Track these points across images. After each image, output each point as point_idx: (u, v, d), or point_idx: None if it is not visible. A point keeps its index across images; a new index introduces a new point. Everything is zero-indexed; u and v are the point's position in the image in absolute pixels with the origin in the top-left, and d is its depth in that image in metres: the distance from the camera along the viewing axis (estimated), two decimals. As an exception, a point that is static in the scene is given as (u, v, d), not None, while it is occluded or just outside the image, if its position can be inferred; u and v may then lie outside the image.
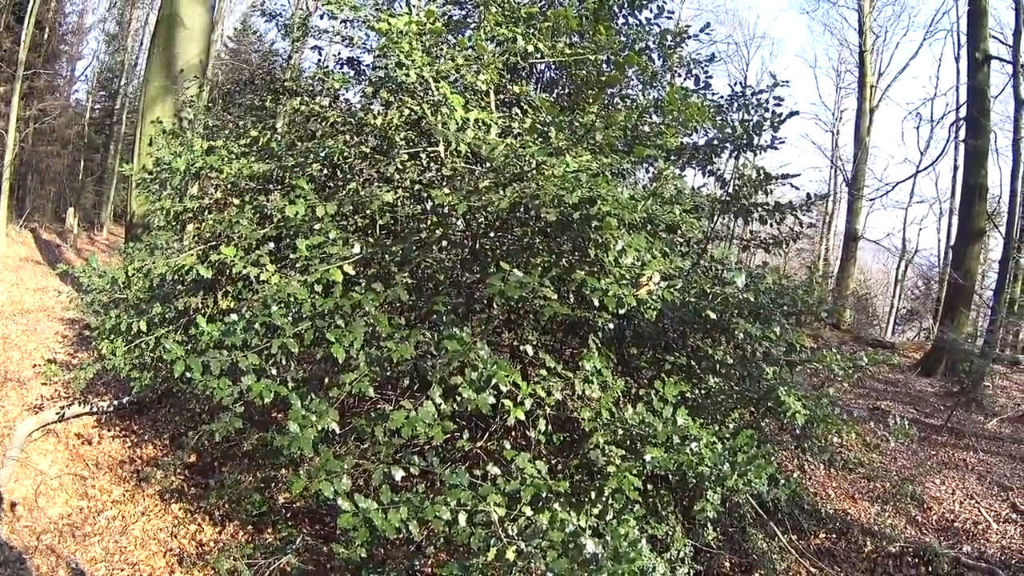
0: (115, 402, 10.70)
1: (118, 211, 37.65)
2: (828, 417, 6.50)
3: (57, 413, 9.98)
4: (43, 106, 28.27)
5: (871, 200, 31.01)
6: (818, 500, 9.76)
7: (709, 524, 6.89)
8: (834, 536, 9.04)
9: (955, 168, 28.03)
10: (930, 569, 8.36)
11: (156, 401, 10.76)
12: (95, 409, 10.45)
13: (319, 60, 9.80)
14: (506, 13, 7.15)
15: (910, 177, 31.73)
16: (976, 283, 20.97)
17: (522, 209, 6.07)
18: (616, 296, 5.33)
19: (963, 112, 21.56)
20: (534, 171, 5.73)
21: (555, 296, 5.30)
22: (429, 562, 6.99)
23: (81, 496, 8.77)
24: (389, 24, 5.99)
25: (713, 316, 6.00)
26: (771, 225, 8.22)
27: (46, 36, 30.30)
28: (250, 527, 8.38)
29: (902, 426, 7.11)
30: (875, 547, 8.77)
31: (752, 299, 6.23)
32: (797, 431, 7.04)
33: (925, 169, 29.77)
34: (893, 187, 29.96)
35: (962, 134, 22.15)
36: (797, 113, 7.74)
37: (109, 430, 10.33)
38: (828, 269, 35.98)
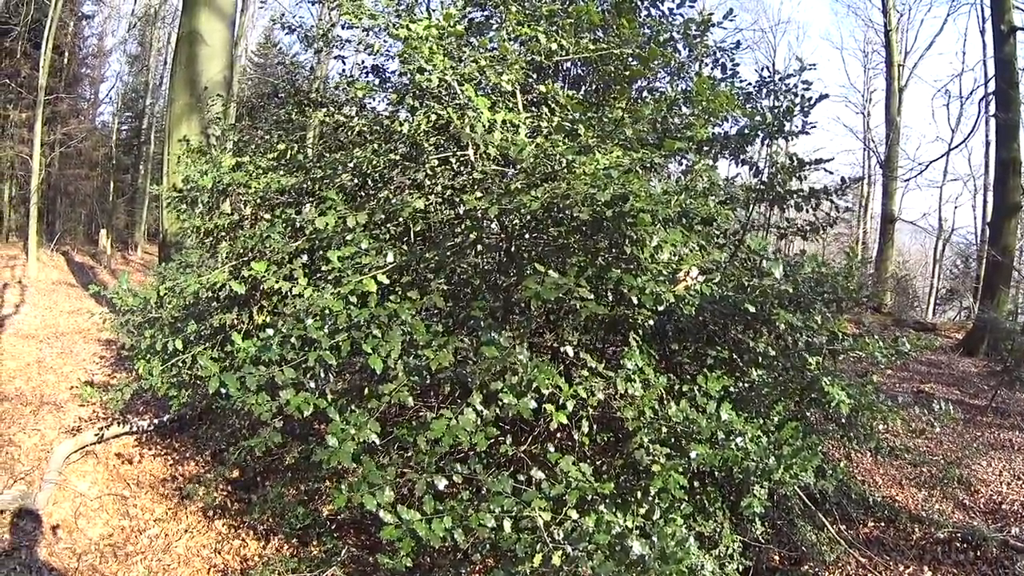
0: (155, 421, 10.74)
1: (151, 230, 38.05)
2: (873, 404, 6.39)
3: (96, 434, 10.01)
4: (67, 130, 28.61)
5: (906, 181, 30.69)
6: (866, 488, 9.64)
7: (757, 519, 6.79)
8: (883, 524, 8.95)
9: (987, 144, 27.78)
10: (979, 554, 8.27)
11: (197, 418, 10.81)
12: (135, 428, 10.49)
13: (343, 70, 9.80)
14: (527, 12, 7.09)
15: (943, 155, 31.37)
16: (1015, 259, 20.69)
17: (555, 209, 6.00)
18: (653, 293, 5.27)
19: (991, 86, 21.34)
20: (564, 170, 5.67)
21: (592, 296, 5.22)
22: (476, 568, 6.96)
23: (122, 516, 8.80)
24: (409, 30, 5.95)
25: (752, 309, 5.91)
26: (807, 211, 8.12)
27: (66, 60, 30.53)
28: (295, 540, 8.38)
29: (947, 410, 7.01)
30: (923, 533, 8.69)
31: (791, 290, 6.15)
32: (843, 420, 6.94)
33: (957, 147, 29.42)
34: (927, 166, 29.83)
35: (992, 108, 21.91)
36: (827, 96, 7.62)
37: (150, 449, 10.38)
38: (866, 253, 35.66)
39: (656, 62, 7.77)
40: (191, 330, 7.42)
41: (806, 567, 8.00)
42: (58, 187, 32.36)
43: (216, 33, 14.53)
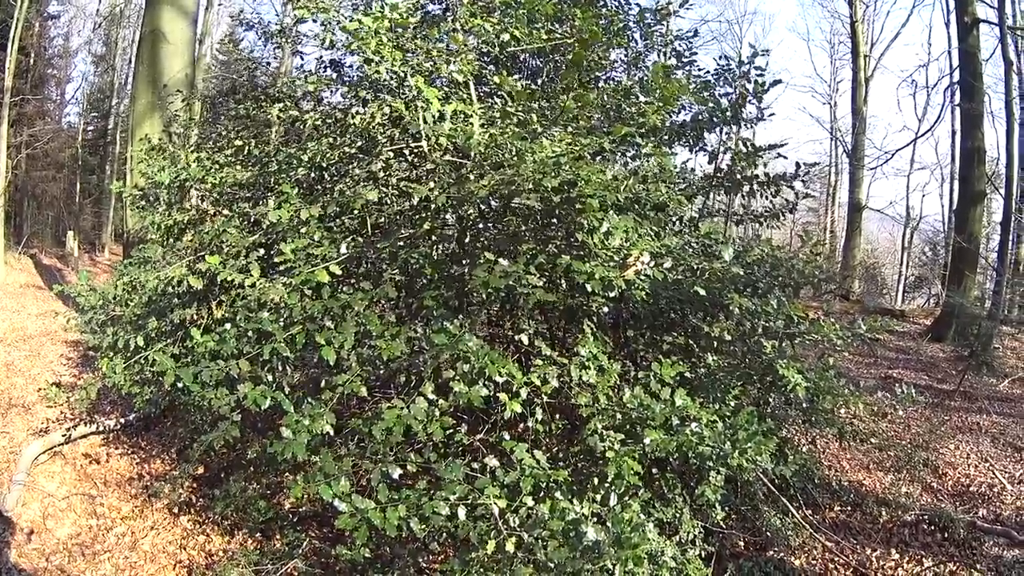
0: (122, 420, 10.71)
1: (119, 231, 37.65)
2: (833, 389, 6.47)
3: (63, 435, 9.99)
4: (34, 131, 28.28)
5: (872, 169, 30.93)
6: (832, 473, 9.76)
7: (717, 504, 6.82)
8: (849, 508, 9.00)
9: (953, 133, 27.94)
10: (946, 535, 8.34)
11: (162, 416, 10.78)
12: (102, 428, 10.46)
13: (301, 65, 9.78)
14: (483, 4, 7.10)
15: (908, 144, 31.50)
16: (981, 246, 20.96)
17: (505, 198, 6.02)
18: (603, 278, 5.28)
19: (956, 76, 21.51)
20: (515, 158, 5.67)
21: (540, 283, 5.24)
22: (435, 558, 6.97)
23: (90, 515, 8.78)
24: (360, 23, 5.94)
25: (702, 292, 5.93)
26: (767, 199, 8.16)
27: (32, 61, 30.21)
28: (258, 534, 8.37)
29: (908, 394, 7.08)
30: (890, 517, 8.75)
31: (741, 272, 6.18)
32: (804, 405, 6.94)
33: (923, 135, 29.53)
34: (892, 155, 29.70)
35: (956, 98, 22.11)
36: (780, 82, 7.65)
37: (117, 448, 10.35)
38: (834, 241, 35.93)
39: (616, 51, 7.80)
40: (152, 327, 7.40)
41: (771, 552, 8.01)
42: (25, 189, 31.98)
43: (178, 31, 14.49)
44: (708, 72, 8.38)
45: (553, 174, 5.34)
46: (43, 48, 33.46)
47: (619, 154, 7.40)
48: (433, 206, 6.35)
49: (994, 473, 9.89)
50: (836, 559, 7.94)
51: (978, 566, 7.76)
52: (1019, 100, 19.30)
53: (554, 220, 6.08)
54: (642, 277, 5.78)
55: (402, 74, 6.24)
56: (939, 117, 27.13)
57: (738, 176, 7.95)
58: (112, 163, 37.68)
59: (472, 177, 5.90)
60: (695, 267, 6.39)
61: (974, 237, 19.18)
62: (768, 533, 8.10)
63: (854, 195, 30.58)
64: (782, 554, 7.99)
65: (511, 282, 5.11)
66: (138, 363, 7.37)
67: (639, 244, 5.56)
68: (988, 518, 8.68)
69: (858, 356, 16.46)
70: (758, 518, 8.16)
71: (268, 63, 11.85)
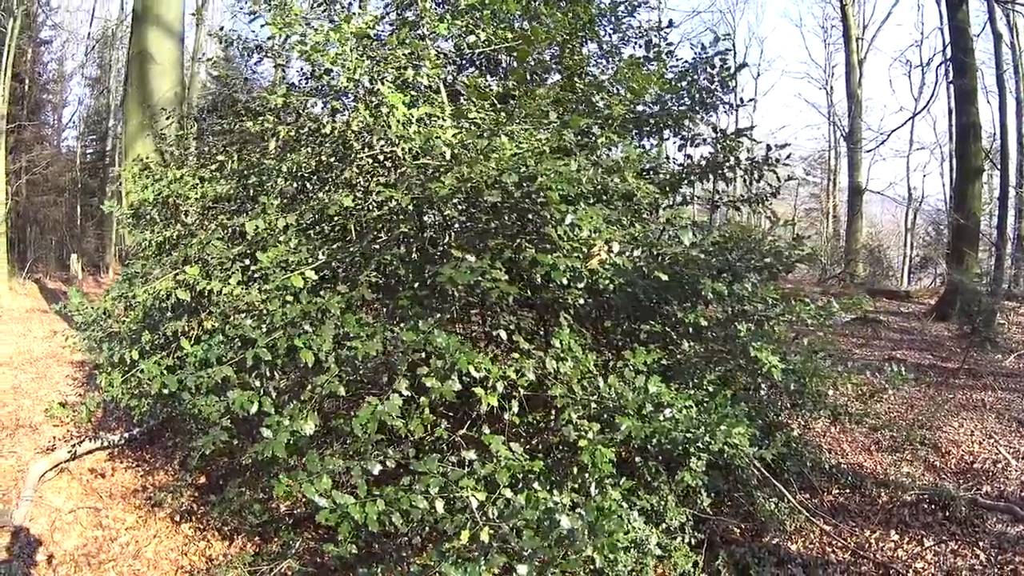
0: (126, 435, 10.87)
1: (123, 252, 37.82)
2: (819, 370, 6.46)
3: (69, 451, 10.13)
4: (32, 157, 28.43)
5: (869, 152, 30.88)
6: (830, 456, 9.73)
7: (702, 491, 6.87)
8: (847, 491, 8.97)
9: (949, 111, 27.96)
10: (947, 514, 8.26)
11: (164, 429, 10.95)
12: (106, 444, 10.62)
13: (283, 78, 9.87)
14: (449, 6, 7.20)
15: (904, 124, 31.73)
16: (982, 223, 20.91)
17: (467, 195, 6.11)
18: (567, 269, 5.38)
19: (949, 53, 21.51)
20: (480, 157, 5.78)
21: (506, 277, 5.33)
22: (418, 552, 7.04)
23: (95, 527, 8.95)
24: (326, 37, 6.07)
25: (664, 277, 5.98)
26: (749, 184, 8.22)
27: (27, 88, 30.40)
28: (256, 538, 8.57)
29: (898, 372, 7.02)
30: (890, 497, 8.68)
31: (701, 256, 6.23)
32: (791, 388, 6.99)
33: (918, 114, 29.49)
34: (888, 136, 30.06)
35: (950, 75, 22.12)
36: (746, 65, 7.85)
37: (122, 462, 10.51)
38: (837, 225, 35.90)
39: (589, 45, 7.87)
40: (146, 340, 7.52)
41: (767, 538, 7.99)
42: (27, 215, 32.12)
43: (165, 51, 14.58)
44: (686, 62, 8.41)
45: (512, 170, 5.45)
46: (37, 74, 33.66)
47: (586, 147, 7.45)
48: (408, 208, 6.47)
49: (999, 449, 9.79)
50: (834, 542, 7.89)
51: (980, 543, 7.68)
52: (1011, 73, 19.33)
53: (517, 215, 6.16)
54: (606, 266, 5.86)
55: (361, 80, 6.34)
56: (933, 95, 27.14)
57: (721, 163, 8.00)
58: (112, 184, 37.84)
59: (431, 176, 6.01)
60: (655, 253, 6.45)
61: (973, 214, 19.09)
62: (763, 519, 8.03)
63: (853, 178, 30.67)
64: (777, 539, 7.96)
65: (478, 277, 5.20)
66: (134, 376, 7.50)
67: (602, 234, 5.65)
68: (992, 495, 8.59)
69: (861, 338, 16.49)
70: (751, 504, 8.09)
71: (246, 79, 11.89)
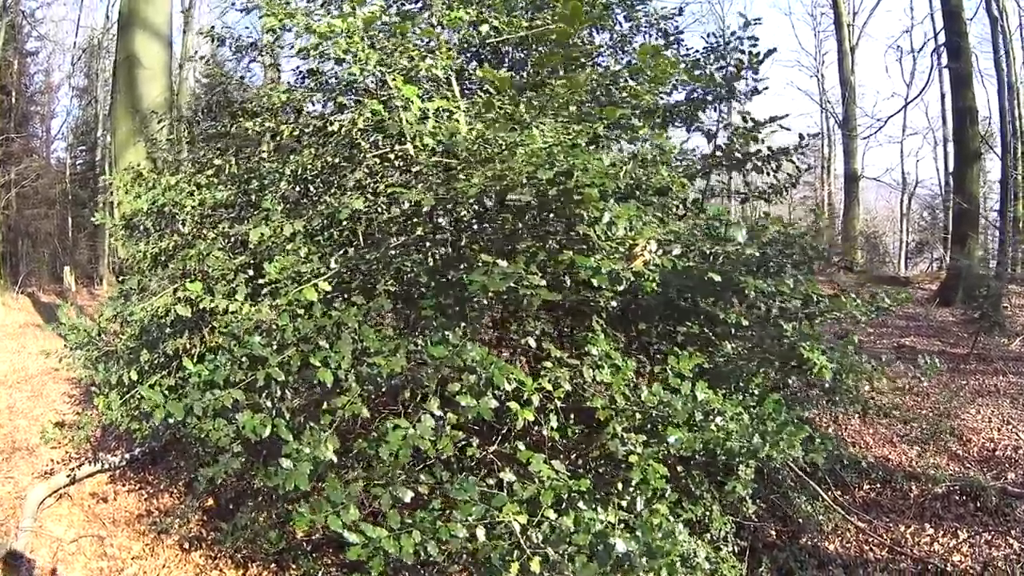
0: (126, 456, 10.50)
1: (115, 263, 37.63)
2: (855, 365, 6.22)
3: (68, 476, 9.80)
4: (21, 169, 28.18)
5: (865, 139, 30.84)
6: (857, 450, 9.58)
7: (748, 498, 6.58)
8: (878, 486, 8.85)
9: (942, 95, 28.08)
10: (979, 504, 8.22)
11: (167, 449, 10.55)
12: (107, 466, 10.27)
13: (278, 77, 9.50)
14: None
15: (900, 110, 31.62)
16: (980, 205, 20.96)
17: (497, 195, 5.72)
18: (610, 272, 4.98)
19: (942, 38, 21.49)
20: (505, 152, 5.39)
21: (543, 282, 4.94)
22: (457, 580, 6.72)
23: (100, 557, 8.56)
24: (330, 25, 5.66)
25: (718, 278, 5.64)
26: (768, 174, 7.96)
27: (14, 100, 30.17)
28: (273, 565, 8.15)
29: (932, 364, 6.84)
30: (921, 491, 8.61)
31: (757, 254, 5.93)
32: (826, 385, 6.73)
33: (913, 100, 29.68)
34: (885, 122, 29.98)
35: (944, 60, 22.14)
36: (775, 51, 7.52)
37: (124, 485, 10.15)
38: (833, 213, 35.83)
39: (595, 34, 7.58)
40: (145, 359, 7.17)
41: (804, 539, 7.86)
42: (19, 229, 31.90)
43: (153, 55, 14.21)
44: (696, 51, 8.30)
45: (547, 165, 5.05)
46: (24, 86, 33.55)
47: (613, 140, 7.12)
48: (424, 210, 6.10)
49: (1018, 435, 9.77)
50: (870, 539, 7.79)
51: (1013, 532, 7.66)
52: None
53: (551, 214, 5.78)
54: (651, 267, 5.50)
55: (379, 74, 5.96)
56: (928, 81, 27.25)
57: (738, 153, 7.74)
58: (102, 195, 37.60)
59: (462, 176, 5.61)
60: (707, 252, 6.11)
61: (973, 197, 19.19)
62: (800, 520, 7.93)
63: (849, 165, 30.54)
64: (815, 540, 7.84)
65: (512, 283, 4.80)
66: (134, 398, 7.14)
67: (645, 232, 5.28)
68: (1017, 482, 8.56)
69: (868, 327, 16.31)
70: (788, 505, 7.97)
71: (243, 77, 11.53)
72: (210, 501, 9.36)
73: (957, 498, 8.39)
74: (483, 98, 6.32)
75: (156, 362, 7.35)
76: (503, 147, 5.43)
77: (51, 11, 39.66)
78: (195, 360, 6.02)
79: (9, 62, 28.44)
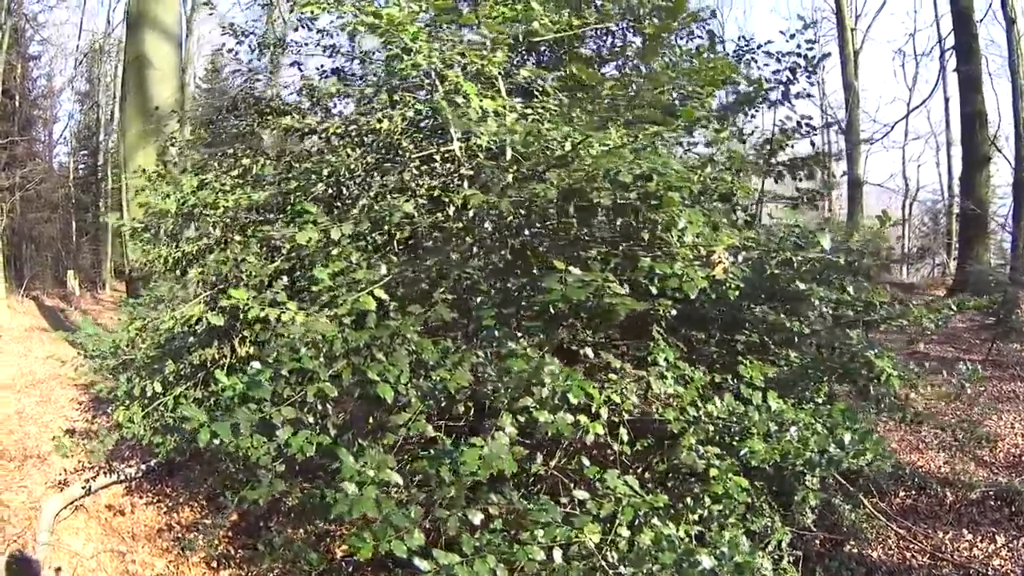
0: (143, 466, 10.30)
1: (119, 267, 37.43)
2: (903, 374, 6.09)
3: (83, 487, 9.55)
4: (25, 173, 28.01)
5: (870, 144, 30.73)
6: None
7: (809, 509, 6.43)
8: (914, 492, 8.83)
9: (946, 99, 28.07)
10: (1014, 508, 8.19)
11: (186, 460, 10.25)
12: (122, 477, 10.05)
13: (302, 75, 9.26)
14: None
15: (907, 115, 31.53)
16: (988, 210, 20.95)
17: (571, 198, 5.48)
18: (691, 279, 4.74)
19: (950, 42, 21.55)
20: (572, 153, 5.17)
21: (624, 291, 4.71)
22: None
23: (122, 574, 8.34)
24: (381, 15, 5.42)
25: (803, 286, 5.48)
26: (798, 180, 7.88)
27: (17, 103, 30.04)
28: (311, 587, 7.86)
29: (975, 370, 6.77)
30: (956, 497, 8.59)
31: (842, 261, 5.77)
32: (872, 392, 6.58)
33: (922, 104, 29.53)
34: (892, 128, 29.79)
35: (952, 63, 22.10)
36: (829, 55, 7.41)
37: (141, 497, 9.94)
38: (835, 219, 35.78)
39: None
40: (170, 370, 6.91)
41: (848, 547, 7.82)
42: (22, 232, 31.74)
43: (164, 56, 14.10)
44: (727, 54, 8.29)
45: (629, 168, 4.81)
46: (27, 90, 33.46)
47: (673, 143, 6.95)
48: (471, 214, 5.85)
49: None
50: (911, 546, 7.78)
51: None
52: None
53: (622, 218, 5.55)
54: (730, 274, 5.28)
55: (435, 69, 5.70)
56: (936, 85, 27.17)
57: (778, 159, 7.67)
58: (105, 199, 37.44)
59: (529, 176, 5.38)
60: (791, 259, 5.88)
61: (983, 202, 19.26)
62: (844, 528, 7.86)
63: (852, 171, 30.25)
64: (860, 548, 7.81)
65: (591, 292, 4.56)
66: (157, 410, 6.89)
67: (722, 239, 5.06)
68: None
69: (879, 332, 16.18)
70: (832, 513, 7.84)
71: (258, 75, 11.31)
72: (235, 517, 9.09)
73: (992, 504, 8.35)
74: (541, 101, 6.13)
75: (182, 373, 7.09)
76: (568, 148, 5.20)
77: (53, 15, 39.36)
78: (225, 372, 5.72)
79: (12, 65, 28.28)
